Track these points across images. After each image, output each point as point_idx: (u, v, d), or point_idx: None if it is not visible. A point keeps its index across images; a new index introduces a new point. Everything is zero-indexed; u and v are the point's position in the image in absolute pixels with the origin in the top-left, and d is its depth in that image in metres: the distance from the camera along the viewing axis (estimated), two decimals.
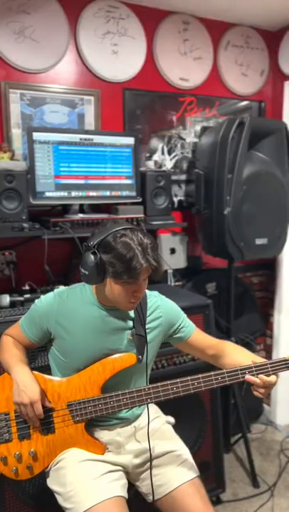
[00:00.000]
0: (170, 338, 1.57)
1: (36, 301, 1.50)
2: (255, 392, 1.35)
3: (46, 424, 1.41)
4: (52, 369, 1.52)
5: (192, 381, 1.37)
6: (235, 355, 1.45)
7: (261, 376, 1.32)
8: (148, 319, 1.47)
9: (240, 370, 1.35)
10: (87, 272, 1.30)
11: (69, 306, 1.43)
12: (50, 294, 1.48)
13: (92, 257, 1.29)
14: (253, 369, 1.34)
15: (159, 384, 1.38)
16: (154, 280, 1.37)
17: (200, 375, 1.37)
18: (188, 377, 1.37)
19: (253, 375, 1.33)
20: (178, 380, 1.38)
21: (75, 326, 1.42)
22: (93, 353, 1.41)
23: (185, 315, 1.59)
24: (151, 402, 1.40)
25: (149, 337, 1.46)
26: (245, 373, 1.34)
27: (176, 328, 1.55)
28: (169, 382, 1.38)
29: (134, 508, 1.44)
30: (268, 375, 1.33)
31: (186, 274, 2.68)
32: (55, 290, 1.50)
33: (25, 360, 1.47)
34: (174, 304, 1.58)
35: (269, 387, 1.33)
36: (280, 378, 3.34)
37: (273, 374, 1.34)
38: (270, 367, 1.35)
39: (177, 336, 1.56)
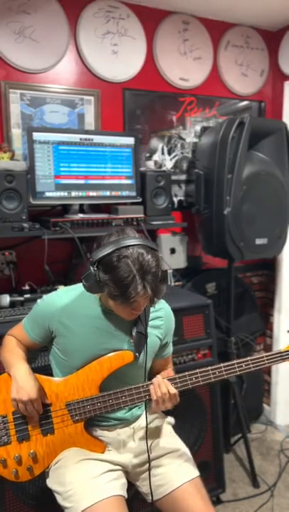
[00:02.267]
0: (158, 351, 1.57)
1: (39, 300, 1.50)
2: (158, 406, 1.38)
3: (45, 424, 1.41)
4: (53, 369, 1.52)
5: (190, 376, 1.39)
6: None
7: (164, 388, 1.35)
8: (150, 322, 1.48)
9: (237, 363, 1.39)
10: (86, 284, 1.30)
11: (71, 305, 1.43)
12: (52, 294, 1.49)
13: (92, 272, 1.26)
14: (250, 362, 1.39)
15: None
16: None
17: (197, 370, 1.40)
18: (186, 373, 1.40)
19: (249, 367, 1.39)
20: (176, 375, 1.40)
21: (76, 325, 1.42)
22: (94, 353, 1.42)
23: None
24: (150, 399, 1.40)
25: (149, 337, 1.45)
26: (234, 368, 1.39)
27: (166, 342, 1.57)
28: (166, 378, 1.39)
29: (134, 508, 1.44)
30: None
31: (186, 274, 2.68)
32: (58, 290, 1.51)
33: (25, 358, 1.48)
34: (173, 316, 1.59)
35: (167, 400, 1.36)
36: (279, 378, 3.33)
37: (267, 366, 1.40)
38: (266, 359, 1.40)
39: (163, 350, 1.57)
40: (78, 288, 1.47)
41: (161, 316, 1.52)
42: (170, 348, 1.61)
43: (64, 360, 1.45)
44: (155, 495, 1.42)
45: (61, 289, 1.52)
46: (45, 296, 1.49)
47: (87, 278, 1.28)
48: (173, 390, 1.35)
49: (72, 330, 1.42)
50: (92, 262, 1.27)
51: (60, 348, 1.46)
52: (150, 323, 1.47)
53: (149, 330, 1.47)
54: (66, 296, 1.45)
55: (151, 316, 1.49)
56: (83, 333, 1.41)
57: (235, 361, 1.39)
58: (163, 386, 1.35)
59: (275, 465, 2.60)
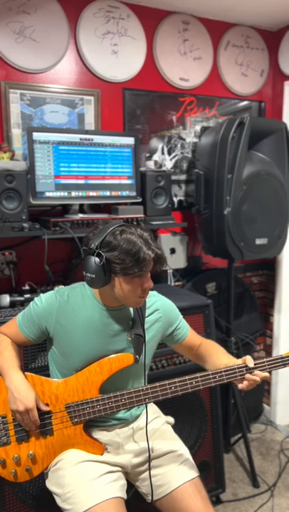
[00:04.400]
0: (167, 339, 1.57)
1: (36, 299, 1.47)
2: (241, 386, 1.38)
3: (44, 426, 1.40)
4: (51, 368, 1.51)
5: (190, 380, 1.38)
6: (220, 358, 1.49)
7: (258, 372, 1.36)
8: (147, 319, 1.47)
9: (238, 368, 1.38)
10: (93, 276, 1.28)
11: (69, 305, 1.43)
12: (50, 293, 1.47)
13: (96, 259, 1.27)
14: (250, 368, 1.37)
15: (157, 384, 1.39)
16: (158, 273, 1.38)
17: (198, 374, 1.38)
18: (186, 377, 1.38)
19: (250, 372, 1.37)
20: (176, 379, 1.39)
21: (74, 326, 1.41)
22: (92, 354, 1.41)
23: (181, 315, 1.60)
24: (150, 402, 1.40)
25: (147, 337, 1.45)
26: (242, 371, 1.37)
27: (174, 329, 1.56)
28: (167, 381, 1.38)
29: (133, 508, 1.44)
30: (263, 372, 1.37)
31: (186, 274, 2.69)
32: (56, 289, 1.48)
33: (18, 363, 1.44)
34: (172, 303, 1.59)
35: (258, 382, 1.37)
36: (279, 377, 3.33)
37: (268, 371, 1.39)
38: (267, 364, 1.38)
39: (174, 336, 1.57)
40: (76, 288, 1.47)
41: (159, 309, 1.52)
42: (184, 330, 1.59)
43: (63, 361, 1.45)
44: (155, 495, 1.42)
45: (59, 288, 1.49)
46: (42, 295, 1.47)
47: (92, 269, 1.28)
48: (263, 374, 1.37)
49: (71, 331, 1.41)
50: (91, 251, 1.29)
51: (58, 349, 1.45)
52: (148, 319, 1.47)
53: (149, 327, 1.47)
54: (64, 296, 1.44)
55: (147, 312, 1.48)
56: (81, 334, 1.41)
57: (236, 366, 1.38)
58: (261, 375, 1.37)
59: (275, 465, 2.60)
